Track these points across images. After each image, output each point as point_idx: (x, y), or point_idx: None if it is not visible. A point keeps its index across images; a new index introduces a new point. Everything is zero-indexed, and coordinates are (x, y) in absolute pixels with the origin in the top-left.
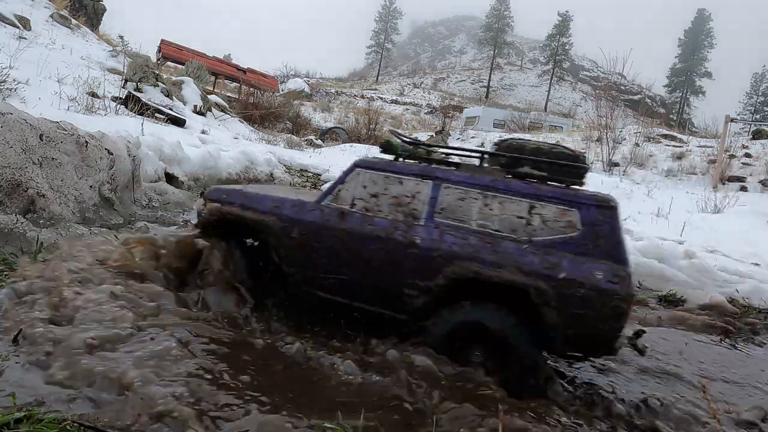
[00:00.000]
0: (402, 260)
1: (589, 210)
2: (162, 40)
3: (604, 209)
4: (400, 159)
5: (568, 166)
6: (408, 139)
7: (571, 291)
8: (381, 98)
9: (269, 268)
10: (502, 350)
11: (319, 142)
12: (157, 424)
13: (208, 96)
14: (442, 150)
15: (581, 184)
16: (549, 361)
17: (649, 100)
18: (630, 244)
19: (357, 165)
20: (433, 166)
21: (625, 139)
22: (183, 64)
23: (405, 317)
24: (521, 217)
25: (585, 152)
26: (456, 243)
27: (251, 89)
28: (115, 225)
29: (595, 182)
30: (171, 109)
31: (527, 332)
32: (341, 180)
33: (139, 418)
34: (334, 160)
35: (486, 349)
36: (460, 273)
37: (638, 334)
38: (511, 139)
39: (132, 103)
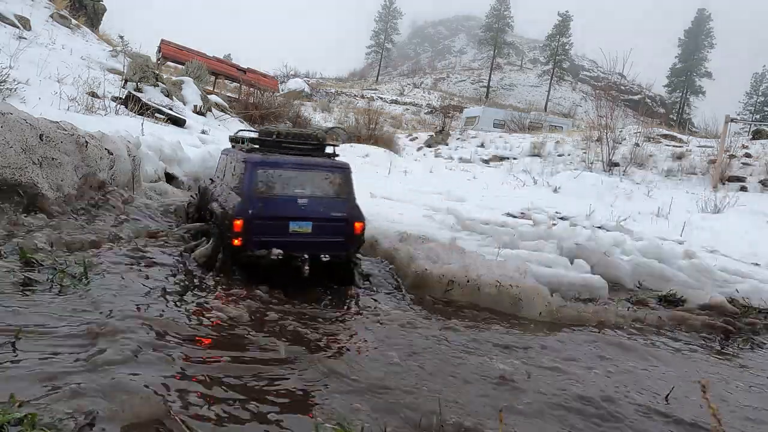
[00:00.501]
0: (211, 203)
1: (244, 164)
2: (162, 40)
3: (246, 163)
4: (236, 145)
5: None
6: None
7: (226, 215)
8: (381, 98)
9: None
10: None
11: None
12: None
13: (208, 96)
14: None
15: (323, 154)
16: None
17: (649, 100)
18: (630, 244)
19: (222, 152)
20: (229, 147)
21: (625, 139)
22: (183, 64)
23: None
24: (234, 173)
25: (320, 132)
26: (216, 192)
27: (251, 89)
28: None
29: (594, 182)
30: (171, 109)
31: (221, 239)
32: (218, 161)
33: None
34: None
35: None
36: (209, 209)
37: (355, 263)
38: (267, 127)
39: (132, 103)
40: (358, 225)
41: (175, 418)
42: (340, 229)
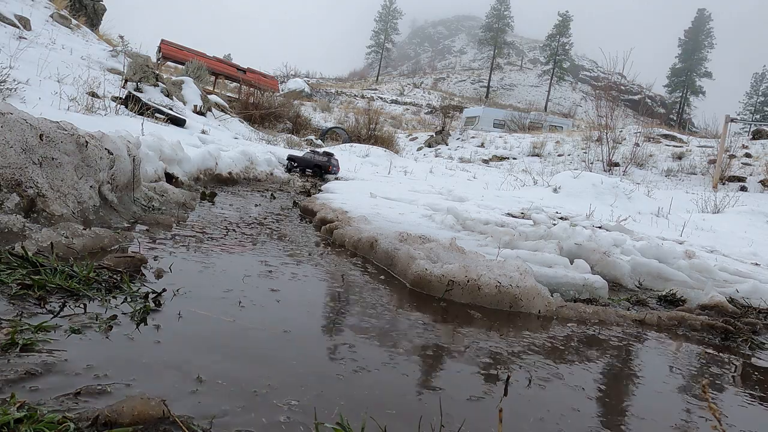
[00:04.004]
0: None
1: (312, 152)
2: (162, 40)
3: (311, 152)
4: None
5: None
6: None
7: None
8: (381, 98)
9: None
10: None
11: (319, 142)
12: None
13: (208, 96)
14: None
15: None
16: None
17: (649, 100)
18: (630, 244)
19: (308, 151)
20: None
21: (625, 139)
22: (183, 64)
23: None
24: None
25: None
26: (304, 159)
27: (251, 89)
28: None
29: (594, 182)
30: (171, 109)
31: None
32: (304, 153)
33: None
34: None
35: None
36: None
37: (322, 175)
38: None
39: (132, 103)
40: (329, 167)
41: (175, 419)
42: (326, 166)
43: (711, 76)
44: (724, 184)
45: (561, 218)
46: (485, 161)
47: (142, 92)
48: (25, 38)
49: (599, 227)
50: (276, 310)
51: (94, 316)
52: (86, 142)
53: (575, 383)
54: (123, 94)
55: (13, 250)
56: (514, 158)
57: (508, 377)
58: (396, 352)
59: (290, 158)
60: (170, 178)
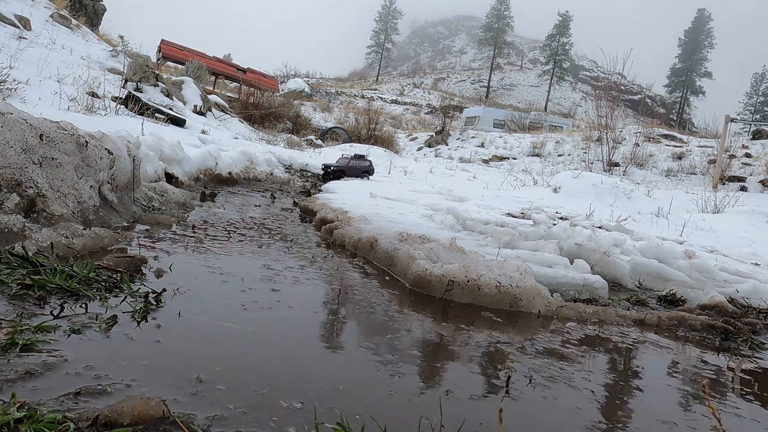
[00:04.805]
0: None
1: (344, 158)
2: (162, 40)
3: (344, 158)
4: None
5: None
6: None
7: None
8: (381, 98)
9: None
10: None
11: (319, 142)
12: None
13: (208, 96)
14: None
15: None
16: None
17: (649, 100)
18: (630, 244)
19: (340, 157)
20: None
21: (625, 139)
22: (183, 64)
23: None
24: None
25: None
26: (332, 165)
27: (251, 89)
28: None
29: (594, 182)
30: (171, 109)
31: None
32: (337, 159)
33: None
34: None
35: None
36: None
37: (368, 177)
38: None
39: (132, 103)
40: (373, 170)
41: (175, 419)
42: (371, 170)
43: (711, 76)
44: (724, 184)
45: (561, 218)
46: (485, 161)
47: (142, 92)
48: (25, 38)
49: (599, 227)
50: (276, 310)
51: (94, 316)
52: (86, 142)
53: (576, 383)
54: (123, 94)
55: (13, 250)
56: (514, 158)
57: (509, 377)
58: (396, 352)
59: (328, 168)
60: (170, 178)
